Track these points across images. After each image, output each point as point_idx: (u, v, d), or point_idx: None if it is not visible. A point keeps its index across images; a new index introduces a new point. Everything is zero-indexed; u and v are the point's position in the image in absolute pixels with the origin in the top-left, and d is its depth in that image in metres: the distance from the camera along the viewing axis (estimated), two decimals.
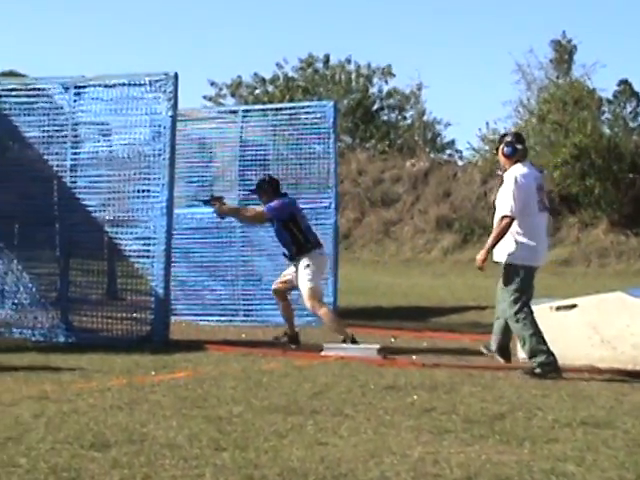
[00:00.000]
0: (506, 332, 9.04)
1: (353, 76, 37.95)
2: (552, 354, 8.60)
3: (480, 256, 8.82)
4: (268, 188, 10.69)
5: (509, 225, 8.70)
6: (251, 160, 13.40)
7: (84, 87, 11.02)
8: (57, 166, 11.10)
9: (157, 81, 10.62)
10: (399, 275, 24.28)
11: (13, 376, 8.12)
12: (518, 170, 8.84)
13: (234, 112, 14.37)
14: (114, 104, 10.88)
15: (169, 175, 10.56)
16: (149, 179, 10.69)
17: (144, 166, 10.76)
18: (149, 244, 10.64)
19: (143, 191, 10.71)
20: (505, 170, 8.99)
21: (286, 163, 13.46)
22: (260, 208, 10.69)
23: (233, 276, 13.39)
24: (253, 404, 7.03)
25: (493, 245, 8.81)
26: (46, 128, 11.14)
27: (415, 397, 7.41)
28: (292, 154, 13.40)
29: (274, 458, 5.45)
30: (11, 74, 19.13)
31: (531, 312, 8.76)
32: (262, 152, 13.44)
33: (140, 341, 10.46)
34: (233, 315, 13.19)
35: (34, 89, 11.33)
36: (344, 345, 10.06)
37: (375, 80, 38.22)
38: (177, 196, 11.25)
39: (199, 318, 12.97)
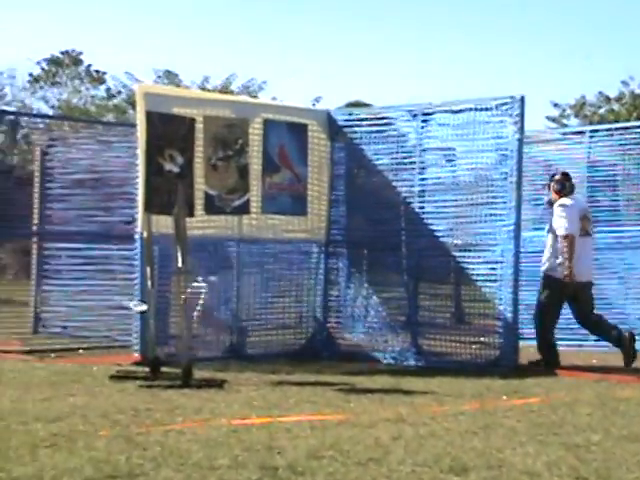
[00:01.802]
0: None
1: None
2: (553, 355, 10.68)
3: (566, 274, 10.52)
4: None
5: (573, 241, 10.48)
6: (600, 181, 13.08)
7: (431, 114, 11.17)
8: (405, 192, 11.31)
9: (503, 104, 10.58)
10: None
11: (369, 398, 8.30)
12: (565, 201, 10.68)
13: (581, 133, 14.10)
14: (460, 129, 10.96)
15: (516, 198, 10.49)
16: (496, 203, 10.66)
17: (490, 190, 10.75)
18: (496, 268, 10.60)
19: (490, 215, 10.70)
20: (554, 202, 10.77)
21: (635, 183, 13.02)
22: None
23: None
24: (611, 432, 6.79)
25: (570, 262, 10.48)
26: (394, 155, 11.40)
27: None
28: None
29: None
30: (357, 104, 19.77)
31: (550, 320, 10.77)
32: (611, 172, 13.09)
33: (488, 365, 10.43)
34: (583, 340, 12.86)
35: (382, 118, 11.63)
36: None
37: None
38: (523, 219, 11.13)
39: None
